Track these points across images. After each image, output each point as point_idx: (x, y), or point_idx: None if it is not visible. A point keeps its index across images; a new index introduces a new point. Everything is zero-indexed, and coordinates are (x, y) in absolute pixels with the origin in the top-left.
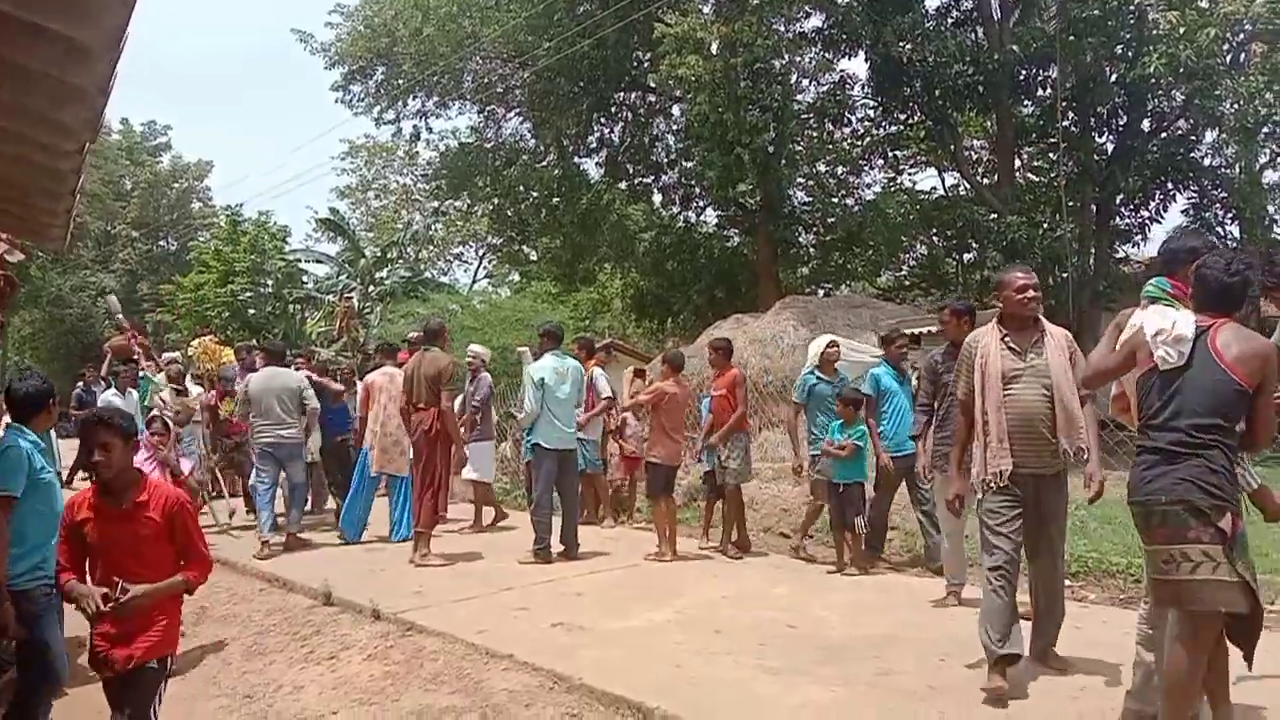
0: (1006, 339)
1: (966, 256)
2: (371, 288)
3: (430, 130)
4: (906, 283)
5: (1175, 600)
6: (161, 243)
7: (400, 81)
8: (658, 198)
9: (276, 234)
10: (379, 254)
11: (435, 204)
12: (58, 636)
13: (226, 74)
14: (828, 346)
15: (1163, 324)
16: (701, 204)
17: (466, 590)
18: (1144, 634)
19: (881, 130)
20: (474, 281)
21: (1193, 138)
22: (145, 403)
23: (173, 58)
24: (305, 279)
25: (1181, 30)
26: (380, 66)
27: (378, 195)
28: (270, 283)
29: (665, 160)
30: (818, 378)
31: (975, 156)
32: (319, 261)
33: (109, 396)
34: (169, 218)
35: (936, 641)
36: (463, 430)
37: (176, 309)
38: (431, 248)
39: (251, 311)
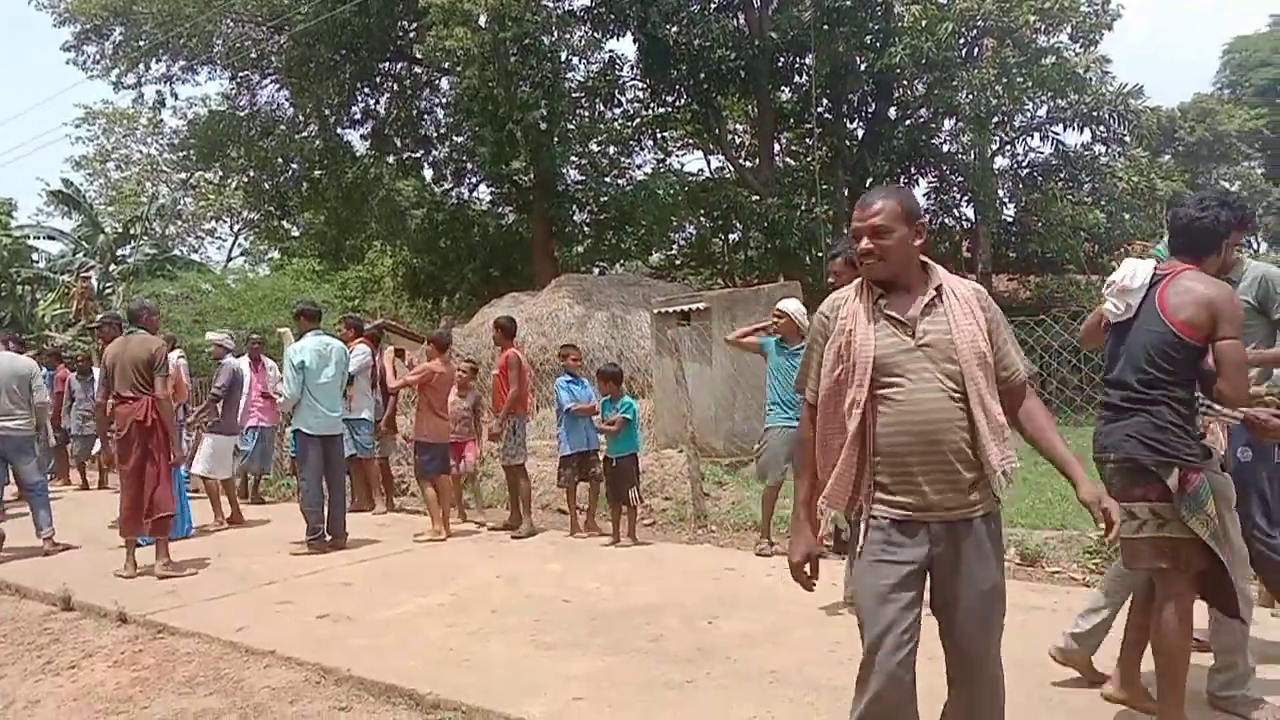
0: (881, 302)
1: (732, 236)
2: (113, 266)
3: (176, 97)
4: (677, 261)
5: (1128, 559)
6: None
7: (142, 43)
8: (429, 173)
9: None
10: (120, 230)
11: (184, 176)
12: None
13: None
14: (775, 316)
15: (1120, 274)
16: (475, 180)
17: (224, 587)
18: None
19: (651, 111)
20: (229, 259)
21: (933, 125)
22: None
23: None
24: (35, 257)
25: (923, 23)
26: (118, 26)
27: (119, 166)
28: None
29: (435, 134)
30: (776, 344)
31: (738, 140)
32: (51, 238)
33: None
34: None
35: (704, 605)
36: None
37: None
38: (180, 223)
39: None
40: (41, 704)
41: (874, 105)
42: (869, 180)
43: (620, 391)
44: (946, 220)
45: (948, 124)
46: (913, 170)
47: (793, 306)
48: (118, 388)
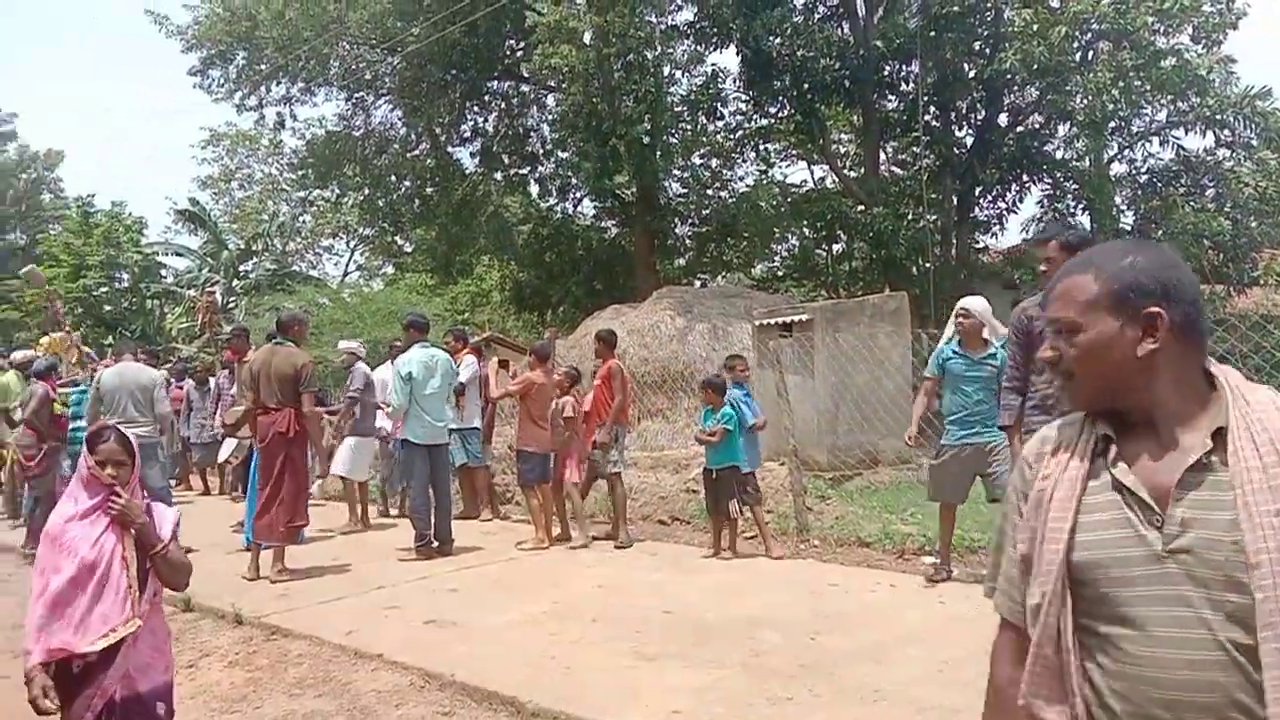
0: (1109, 454)
1: (836, 247)
2: (236, 281)
3: (295, 118)
4: (779, 273)
5: None
6: (9, 236)
7: (262, 67)
8: (535, 189)
9: (132, 226)
10: (243, 246)
11: (302, 194)
12: None
13: (79, 58)
14: (959, 316)
15: None
16: (579, 195)
17: (335, 591)
18: None
19: (753, 123)
20: (345, 274)
21: (1046, 132)
22: None
23: (19, 42)
24: (164, 273)
25: (1035, 28)
26: (241, 51)
27: (242, 185)
28: (126, 277)
29: (541, 150)
30: (953, 351)
31: (843, 150)
32: (179, 254)
33: None
34: (16, 210)
35: (807, 620)
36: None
37: (26, 305)
38: (299, 239)
39: (107, 307)
40: None
41: (983, 112)
42: (978, 189)
43: (722, 402)
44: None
45: (1061, 130)
46: (1024, 178)
47: (978, 305)
48: (263, 398)
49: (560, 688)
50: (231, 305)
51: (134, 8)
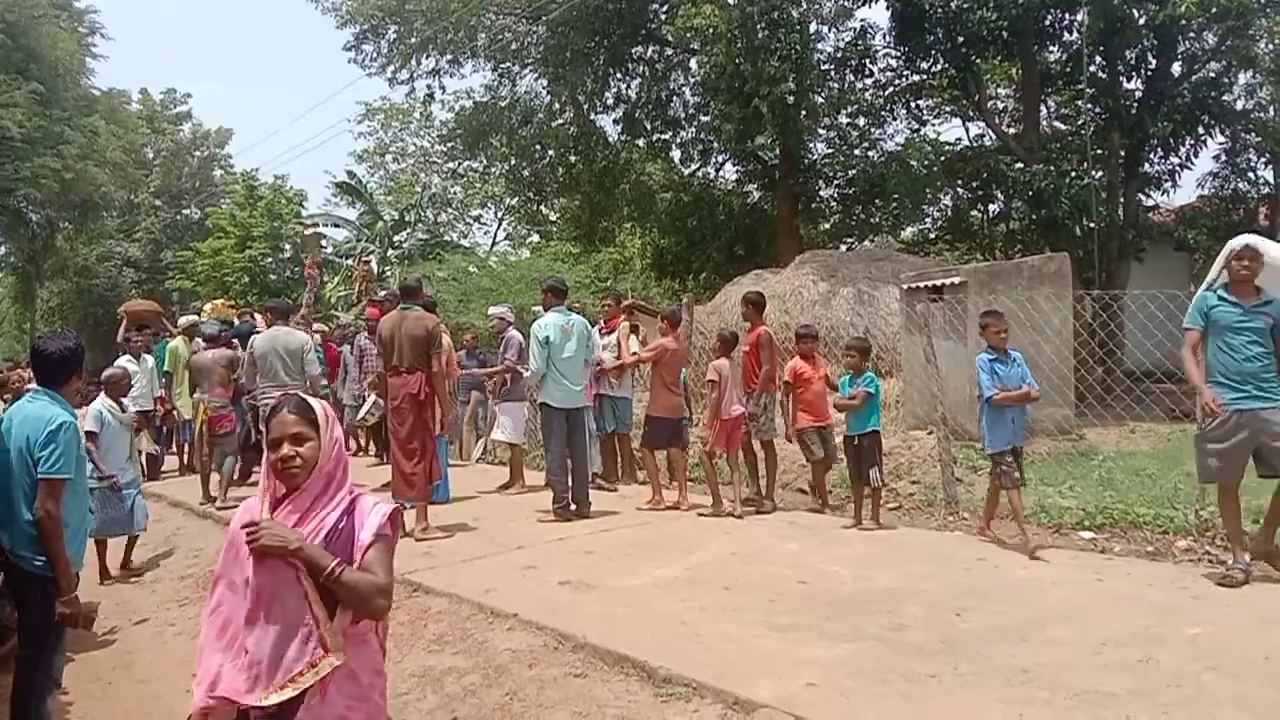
0: None
1: (992, 208)
2: (390, 251)
3: (444, 89)
4: (931, 236)
5: None
6: (185, 211)
7: (413, 40)
8: (676, 154)
9: (293, 198)
10: (397, 217)
11: (452, 165)
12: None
13: (240, 37)
14: (1233, 258)
15: None
16: (720, 159)
17: (475, 550)
18: None
19: (904, 80)
20: (493, 243)
21: (1225, 80)
22: (164, 367)
23: (185, 25)
24: (324, 243)
25: None
26: (392, 25)
27: (395, 158)
28: (288, 247)
29: (683, 115)
30: (1220, 298)
31: (1000, 105)
32: (337, 225)
33: (123, 362)
34: (190, 185)
35: (952, 596)
36: (492, 391)
37: (196, 275)
38: (450, 210)
39: (271, 276)
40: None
41: (1154, 61)
42: (1148, 143)
43: (865, 365)
44: (1241, 185)
45: (1243, 78)
46: (1200, 131)
47: (1269, 248)
48: (394, 361)
49: (691, 654)
50: (387, 274)
51: None
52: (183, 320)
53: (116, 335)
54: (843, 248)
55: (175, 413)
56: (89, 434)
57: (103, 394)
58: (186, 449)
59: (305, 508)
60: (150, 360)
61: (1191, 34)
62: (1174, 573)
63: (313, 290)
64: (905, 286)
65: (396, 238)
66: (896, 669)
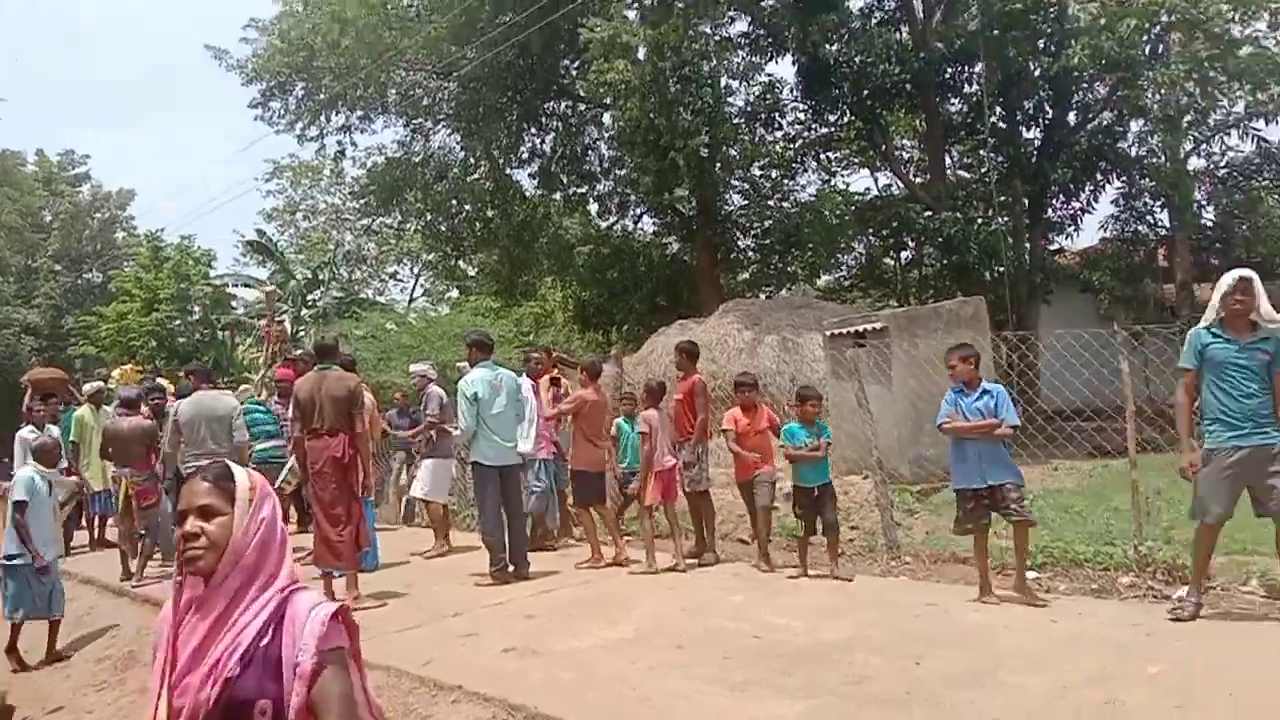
0: None
1: (904, 255)
2: (304, 310)
3: (355, 145)
4: (846, 283)
5: None
6: (86, 275)
7: (322, 96)
8: (594, 207)
9: (201, 258)
10: (310, 275)
11: (365, 222)
12: None
13: (141, 96)
14: (1227, 293)
15: None
16: (638, 212)
17: (411, 619)
18: None
19: (813, 132)
20: (411, 299)
21: (1119, 128)
22: (70, 437)
23: (85, 81)
24: (235, 304)
25: (1102, 22)
26: (300, 81)
27: (306, 216)
28: (197, 309)
29: (599, 169)
30: (1213, 334)
31: (906, 155)
32: (248, 286)
33: (25, 434)
34: (91, 248)
35: (906, 643)
36: (417, 451)
37: (101, 341)
38: (364, 267)
39: (180, 339)
40: None
41: (1051, 111)
42: (1050, 189)
43: (818, 413)
44: (1140, 228)
45: (1135, 126)
46: (1098, 176)
47: (1256, 279)
48: (314, 423)
49: (641, 718)
50: (300, 334)
51: (194, 45)
52: (88, 387)
53: (20, 405)
54: (762, 296)
55: (84, 485)
56: (18, 504)
57: (31, 460)
58: (97, 522)
59: (217, 612)
60: (55, 430)
61: (1085, 84)
62: (1122, 610)
63: (270, 349)
64: (829, 333)
65: (310, 296)
66: None
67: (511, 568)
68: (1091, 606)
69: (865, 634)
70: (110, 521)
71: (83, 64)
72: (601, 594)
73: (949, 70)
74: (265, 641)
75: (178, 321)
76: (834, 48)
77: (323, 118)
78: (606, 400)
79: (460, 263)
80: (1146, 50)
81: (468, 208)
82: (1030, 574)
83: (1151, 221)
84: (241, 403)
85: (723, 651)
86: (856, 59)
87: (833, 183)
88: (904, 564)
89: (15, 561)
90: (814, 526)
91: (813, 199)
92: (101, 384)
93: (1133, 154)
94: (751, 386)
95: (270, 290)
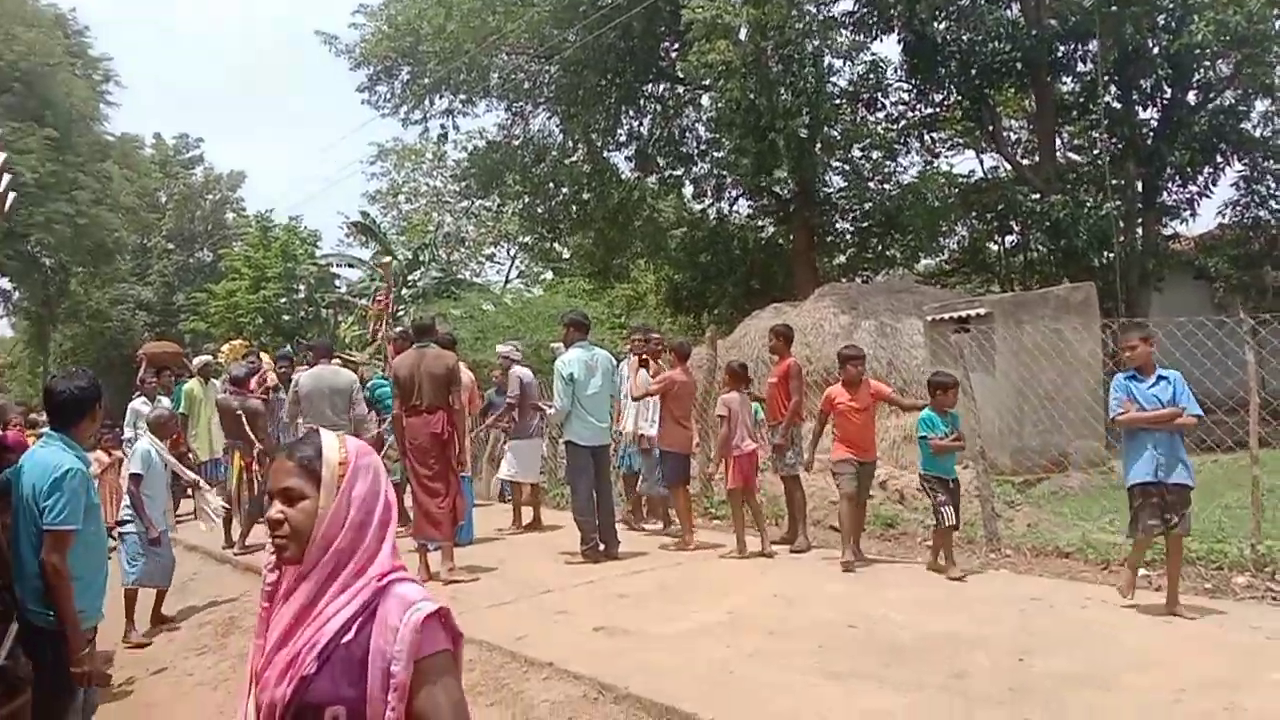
0: None
1: (1009, 239)
2: (404, 290)
3: (457, 129)
4: (947, 268)
5: None
6: (197, 253)
7: (426, 80)
8: (689, 190)
9: (307, 239)
10: (411, 256)
11: (465, 204)
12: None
13: (254, 81)
14: None
15: None
16: (734, 194)
17: (504, 594)
18: None
19: (916, 113)
20: (506, 281)
21: (1242, 108)
22: (180, 409)
23: (198, 68)
24: (338, 283)
25: None
26: (405, 66)
27: (408, 198)
28: (302, 288)
29: (696, 151)
30: None
31: (1014, 136)
32: (351, 265)
33: (136, 405)
34: (203, 228)
35: (1012, 639)
36: (500, 430)
37: (210, 317)
38: (463, 249)
39: (285, 317)
40: None
41: (1170, 90)
42: (1166, 171)
43: (954, 402)
44: (1261, 214)
45: (1260, 105)
46: (1218, 158)
47: None
48: (414, 400)
49: (741, 705)
50: (400, 313)
51: (306, 31)
52: (197, 361)
53: (134, 378)
54: (859, 280)
55: (191, 455)
56: (134, 476)
57: (149, 434)
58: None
59: (302, 602)
60: (165, 402)
61: (1207, 62)
62: (1239, 611)
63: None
64: (930, 318)
65: (410, 276)
66: None
67: (603, 547)
68: (1208, 607)
69: (968, 628)
70: (214, 491)
71: (200, 51)
72: (693, 577)
73: (1061, 48)
74: (348, 638)
75: (284, 299)
76: (942, 25)
77: (426, 101)
78: (695, 382)
79: (555, 245)
80: (1277, 25)
81: (565, 190)
82: (1140, 571)
83: (1274, 206)
84: (367, 379)
85: (818, 641)
86: (965, 37)
87: (936, 164)
88: (1004, 556)
89: (127, 529)
90: (955, 520)
91: (915, 181)
92: (210, 358)
93: (1257, 135)
94: (859, 360)
95: (386, 262)
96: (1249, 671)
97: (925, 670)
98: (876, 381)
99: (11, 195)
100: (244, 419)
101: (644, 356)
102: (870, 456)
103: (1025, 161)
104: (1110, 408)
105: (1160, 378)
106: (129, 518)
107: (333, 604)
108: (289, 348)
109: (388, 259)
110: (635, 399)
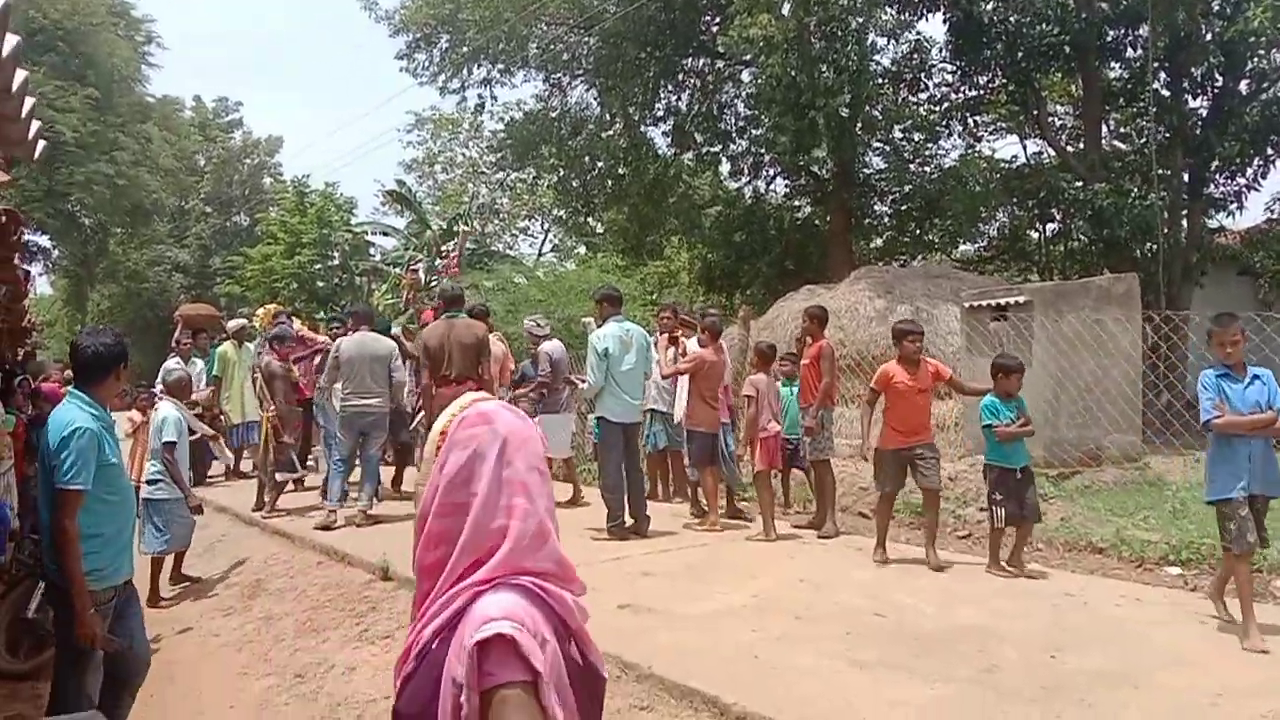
0: None
1: (1050, 227)
2: (438, 260)
3: (495, 99)
4: (986, 254)
5: None
6: (234, 217)
7: (465, 49)
8: (726, 167)
9: (343, 205)
10: (445, 226)
11: (500, 176)
12: (139, 638)
13: (293, 45)
14: None
15: None
16: (771, 173)
17: None
18: None
19: (960, 95)
20: (540, 254)
21: None
22: (214, 371)
23: (239, 31)
24: (372, 251)
25: None
26: (444, 34)
27: (444, 168)
28: (337, 254)
29: (734, 128)
30: None
31: (1059, 122)
32: (385, 234)
33: (171, 365)
34: (240, 192)
35: (1043, 634)
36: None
37: (245, 281)
38: (497, 220)
39: (320, 283)
40: (357, 671)
41: (1221, 79)
42: (1214, 163)
43: (1019, 387)
44: None
45: None
46: (1269, 151)
47: None
48: (444, 370)
49: (766, 690)
50: (433, 283)
51: None
52: (231, 324)
53: (170, 339)
54: (896, 264)
55: (224, 417)
56: (169, 444)
57: (169, 397)
58: (235, 454)
59: (422, 590)
60: (200, 364)
61: (1261, 51)
62: (1277, 615)
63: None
64: (967, 305)
65: (444, 247)
66: (997, 715)
67: (631, 523)
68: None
69: (998, 622)
70: (245, 453)
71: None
72: (720, 558)
73: (1111, 32)
74: (436, 644)
75: (318, 265)
76: (989, 6)
77: (465, 70)
78: (726, 361)
79: (589, 219)
80: None
81: (600, 164)
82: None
83: None
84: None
85: (846, 628)
86: (1012, 18)
87: (978, 148)
88: (1036, 550)
89: (159, 495)
90: (1023, 512)
91: (956, 165)
92: (245, 321)
93: None
94: (917, 335)
95: (413, 275)
96: None
97: (954, 663)
98: (935, 361)
99: (41, 143)
100: (261, 379)
101: (675, 335)
102: (925, 438)
103: (1069, 148)
104: (1202, 409)
105: (1255, 377)
106: (159, 480)
107: (437, 602)
108: (341, 312)
109: (415, 271)
110: (665, 377)
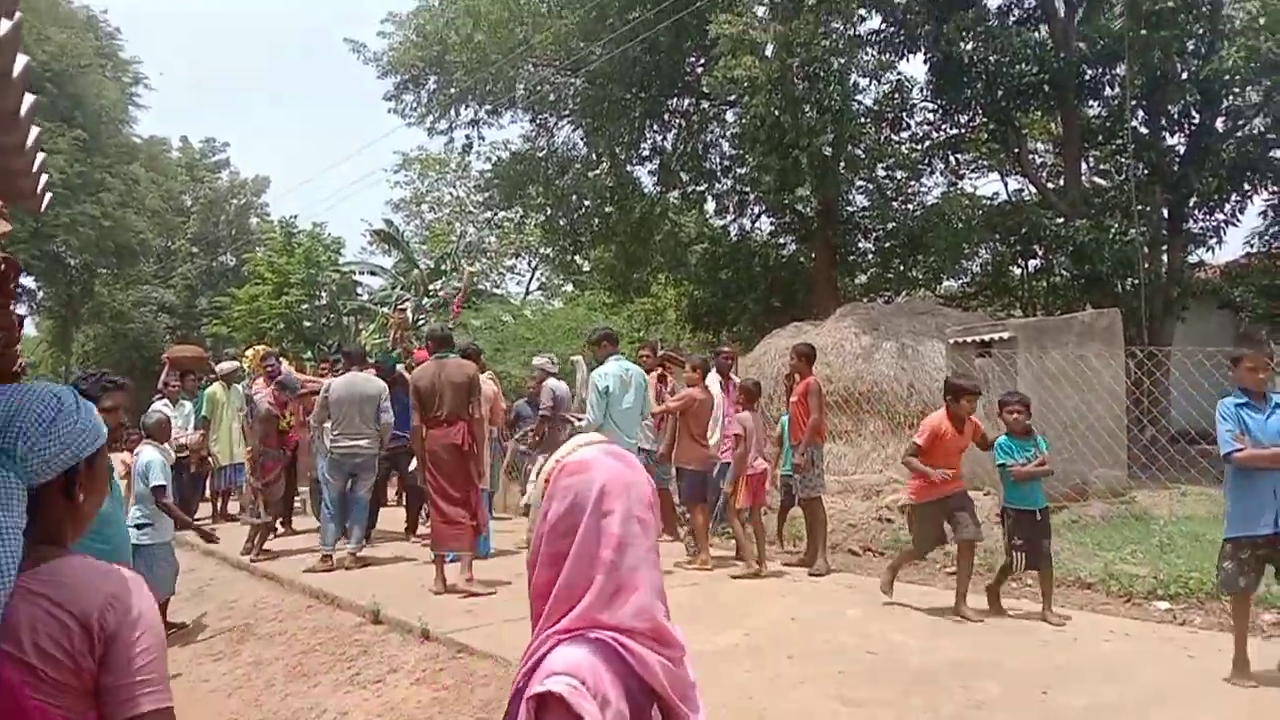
0: None
1: (1032, 263)
2: (425, 299)
3: (482, 139)
4: (969, 290)
5: None
6: (221, 257)
7: (452, 90)
8: (711, 205)
9: (330, 245)
10: (432, 266)
11: (488, 215)
12: None
13: (281, 87)
14: None
15: None
16: (756, 211)
17: (520, 609)
18: None
19: (941, 133)
20: (527, 293)
21: (1272, 135)
22: (202, 413)
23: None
24: (360, 290)
25: (1261, 21)
26: (432, 75)
27: (431, 208)
28: (324, 294)
29: (719, 167)
30: None
31: (1040, 160)
32: (373, 273)
33: (159, 407)
34: (227, 233)
35: (1033, 671)
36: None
37: (232, 321)
38: (484, 259)
39: (307, 323)
40: (349, 716)
41: (1198, 116)
42: (1192, 199)
43: (1029, 428)
44: None
45: None
46: (1246, 187)
47: None
48: (434, 410)
49: None
50: (421, 322)
51: (334, 39)
52: (223, 366)
53: (157, 381)
54: (880, 301)
55: (211, 459)
56: (159, 488)
57: (150, 441)
58: (221, 497)
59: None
60: (189, 405)
61: (1236, 89)
62: (1266, 650)
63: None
64: (951, 341)
65: (432, 286)
66: None
67: None
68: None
69: (987, 656)
70: (232, 496)
71: (227, 54)
72: (710, 597)
73: (1089, 72)
74: (521, 685)
75: (306, 305)
76: (969, 46)
77: (452, 111)
78: (714, 398)
79: (576, 258)
80: None
81: (587, 203)
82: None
83: None
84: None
85: (839, 666)
86: (992, 58)
87: (960, 186)
88: (1025, 585)
89: (143, 540)
90: (1042, 555)
91: (938, 202)
92: (238, 364)
93: None
94: (976, 396)
95: (402, 311)
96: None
97: (944, 700)
98: (976, 422)
99: (48, 196)
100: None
101: (662, 373)
102: (960, 485)
103: (1050, 185)
104: (1220, 441)
105: (1277, 406)
106: (145, 524)
107: (530, 647)
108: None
109: (402, 310)
110: (654, 414)
